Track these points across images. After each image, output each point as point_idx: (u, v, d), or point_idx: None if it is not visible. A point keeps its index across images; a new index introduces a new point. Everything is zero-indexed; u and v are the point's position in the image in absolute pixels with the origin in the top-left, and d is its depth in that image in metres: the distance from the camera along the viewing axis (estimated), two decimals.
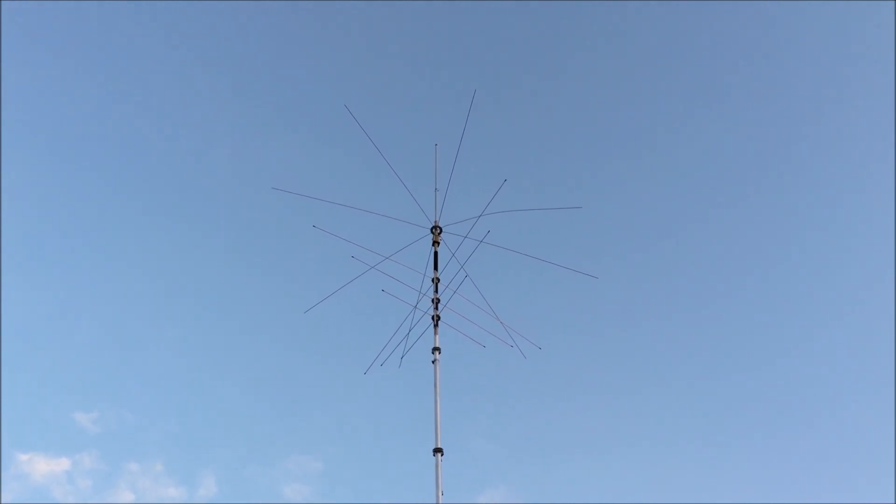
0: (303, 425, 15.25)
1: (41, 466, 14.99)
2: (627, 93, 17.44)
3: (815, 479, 13.57)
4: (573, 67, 17.94)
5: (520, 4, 17.35)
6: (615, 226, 16.32)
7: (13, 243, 15.98)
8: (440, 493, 6.19)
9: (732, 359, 15.45)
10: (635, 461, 14.45)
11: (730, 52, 17.04)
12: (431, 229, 7.51)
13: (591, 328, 15.66)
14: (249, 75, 17.35)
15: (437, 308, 7.19)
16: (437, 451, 6.41)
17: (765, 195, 16.56)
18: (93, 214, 16.49)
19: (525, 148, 17.05)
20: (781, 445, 14.32)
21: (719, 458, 14.41)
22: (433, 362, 6.91)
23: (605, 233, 16.03)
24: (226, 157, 17.05)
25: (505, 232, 7.52)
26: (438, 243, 7.47)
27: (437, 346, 6.99)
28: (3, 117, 14.71)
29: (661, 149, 17.21)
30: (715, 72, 17.08)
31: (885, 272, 14.33)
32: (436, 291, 7.28)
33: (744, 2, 16.55)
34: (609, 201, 16.43)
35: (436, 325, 7.11)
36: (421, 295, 7.27)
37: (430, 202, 7.57)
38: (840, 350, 15.21)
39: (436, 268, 7.37)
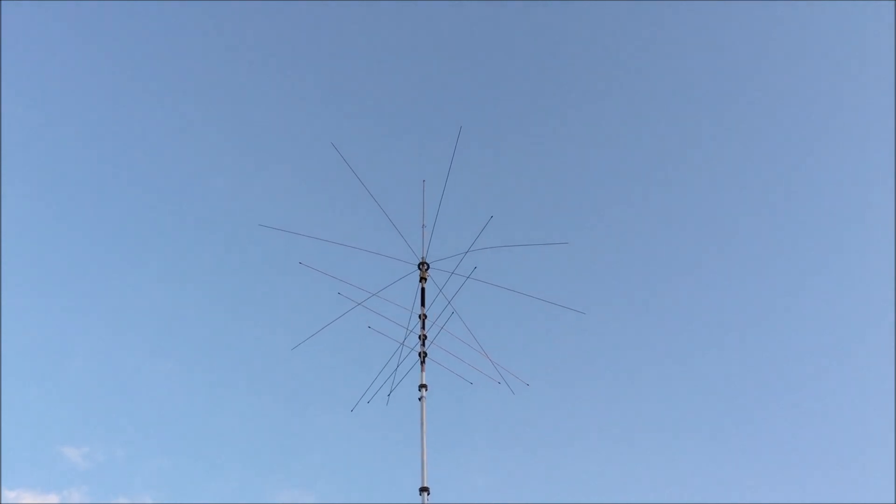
0: (294, 461, 15.10)
1: (28, 503, 14.75)
2: (614, 129, 17.61)
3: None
4: (559, 104, 18.11)
5: (506, 42, 17.56)
6: (602, 261, 16.37)
7: (6, 275, 15.95)
8: None
9: (724, 392, 15.44)
10: (628, 495, 14.35)
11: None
12: (418, 265, 7.51)
13: (579, 364, 15.63)
14: (236, 112, 17.44)
15: (423, 345, 7.17)
16: (424, 489, 6.35)
17: (756, 224, 16.66)
18: (84, 249, 16.46)
19: (512, 184, 17.14)
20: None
21: (713, 492, 14.35)
22: (420, 399, 6.87)
23: (592, 268, 16.07)
24: (213, 194, 17.06)
25: (492, 268, 7.53)
26: (426, 279, 7.46)
27: (424, 383, 6.96)
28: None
29: (649, 185, 17.33)
30: (706, 92, 17.24)
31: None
32: (423, 328, 7.26)
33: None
34: (596, 237, 16.51)
35: (423, 362, 7.08)
36: (408, 332, 7.26)
37: (417, 238, 7.59)
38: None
39: (423, 304, 7.36)
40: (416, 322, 7.29)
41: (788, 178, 16.54)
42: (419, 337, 7.21)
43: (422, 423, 6.72)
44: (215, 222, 16.68)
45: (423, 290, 7.42)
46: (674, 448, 14.99)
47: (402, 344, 7.20)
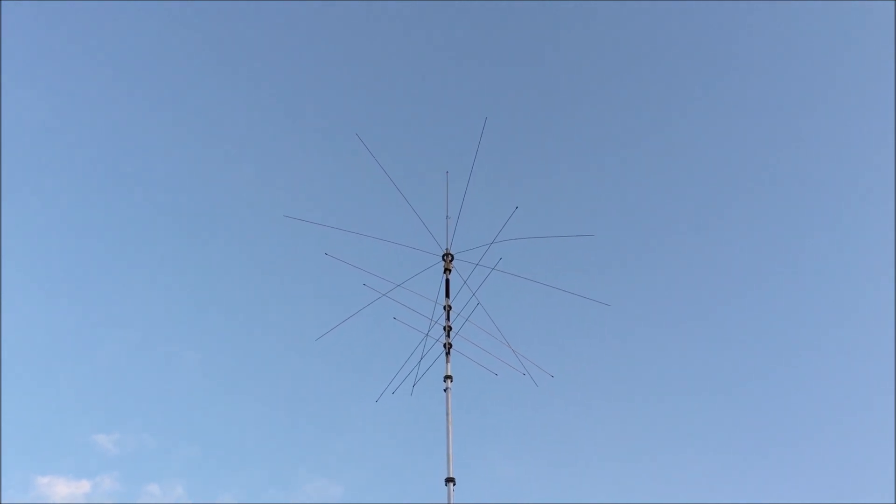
0: (323, 449, 15.22)
1: (61, 489, 15.01)
2: (640, 121, 17.50)
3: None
4: (585, 95, 18.02)
5: (531, 32, 17.48)
6: (628, 254, 16.29)
7: (35, 266, 16.21)
8: None
9: (745, 382, 15.35)
10: (652, 485, 14.32)
11: (735, 62, 17.07)
12: (443, 257, 7.50)
13: (604, 356, 15.59)
14: (262, 104, 17.52)
15: (448, 336, 7.17)
16: (450, 480, 6.36)
17: (776, 213, 16.53)
18: (113, 241, 16.65)
19: (537, 175, 17.11)
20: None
21: (727, 478, 14.31)
22: (445, 390, 6.88)
23: (617, 260, 16.00)
24: (239, 186, 17.17)
25: (517, 259, 7.51)
26: (450, 271, 7.46)
27: (449, 374, 6.96)
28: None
29: (675, 176, 17.22)
30: (723, 84, 17.11)
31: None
32: (447, 319, 7.25)
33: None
34: (621, 229, 16.42)
35: (448, 353, 7.08)
36: (433, 322, 7.26)
37: (441, 230, 7.58)
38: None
39: (447, 295, 7.36)
40: (441, 313, 7.29)
41: (798, 175, 16.45)
42: (444, 328, 7.21)
43: (447, 414, 6.72)
44: (241, 214, 16.83)
45: (447, 281, 7.42)
46: (696, 439, 14.94)
47: (427, 335, 7.20)
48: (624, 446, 14.93)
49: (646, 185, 17.09)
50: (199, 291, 16.63)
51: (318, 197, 16.62)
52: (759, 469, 14.14)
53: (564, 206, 16.50)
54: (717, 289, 16.39)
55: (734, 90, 17.07)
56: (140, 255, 16.57)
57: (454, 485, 6.34)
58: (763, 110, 16.78)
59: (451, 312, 7.28)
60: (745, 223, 16.58)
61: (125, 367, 15.92)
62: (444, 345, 7.13)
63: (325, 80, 17.83)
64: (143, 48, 17.05)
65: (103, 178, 16.93)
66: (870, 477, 12.87)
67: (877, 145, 15.40)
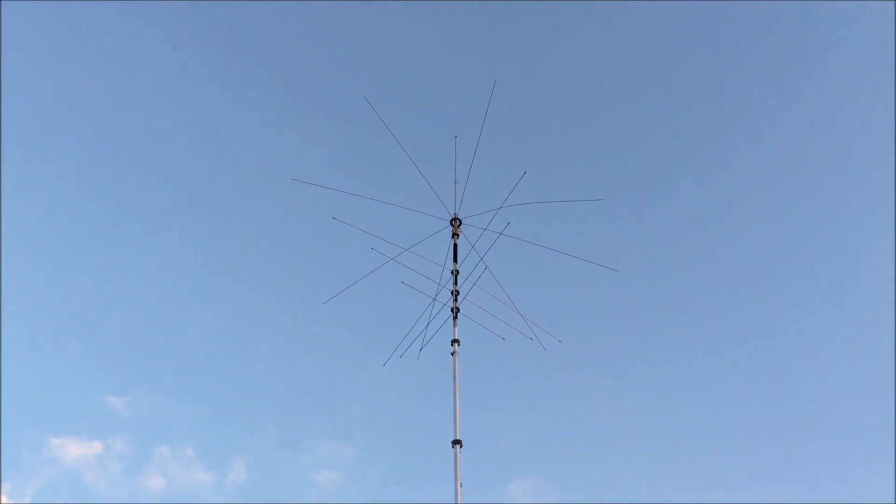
0: (333, 412, 15.35)
1: (73, 450, 15.19)
2: (650, 84, 17.34)
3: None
4: (595, 58, 17.85)
5: None
6: (636, 218, 16.24)
7: (47, 229, 16.31)
8: (458, 484, 6.21)
9: (752, 348, 15.37)
10: (659, 451, 14.44)
11: (739, 50, 16.91)
12: (451, 221, 7.51)
13: (612, 321, 15.62)
14: (270, 67, 17.43)
15: (456, 300, 7.20)
16: (456, 442, 6.42)
17: (785, 187, 16.46)
18: (125, 202, 16.66)
19: (546, 139, 16.99)
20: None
21: (731, 445, 14.40)
22: (452, 354, 6.92)
23: (626, 225, 15.95)
24: (247, 148, 17.15)
25: (525, 224, 7.50)
26: (458, 235, 7.47)
27: (457, 338, 7.00)
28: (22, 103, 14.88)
29: (684, 141, 17.11)
30: (727, 67, 16.95)
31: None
32: (455, 283, 7.28)
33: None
34: (630, 194, 16.35)
35: (455, 318, 7.12)
36: (440, 287, 7.29)
37: (449, 194, 7.58)
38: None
39: (455, 260, 7.38)
40: (449, 278, 7.32)
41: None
42: (451, 292, 7.24)
43: (454, 378, 6.77)
44: (249, 177, 16.81)
45: (455, 245, 7.43)
46: (703, 406, 15.02)
47: (435, 299, 7.24)
48: (631, 412, 15.04)
49: (656, 150, 17.01)
50: (208, 255, 16.72)
51: (326, 161, 16.60)
52: (768, 433, 14.22)
53: (573, 170, 16.45)
54: (728, 255, 16.37)
55: (745, 61, 16.91)
56: (150, 219, 16.65)
57: (461, 447, 6.40)
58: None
59: (458, 277, 7.31)
60: (759, 191, 16.50)
61: (137, 330, 16.06)
62: (452, 309, 7.16)
63: (334, 43, 17.71)
64: (151, 10, 16.96)
65: (112, 143, 16.93)
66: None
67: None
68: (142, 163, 16.73)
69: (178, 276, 16.38)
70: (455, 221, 7.50)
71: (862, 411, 14.12)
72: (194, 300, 16.35)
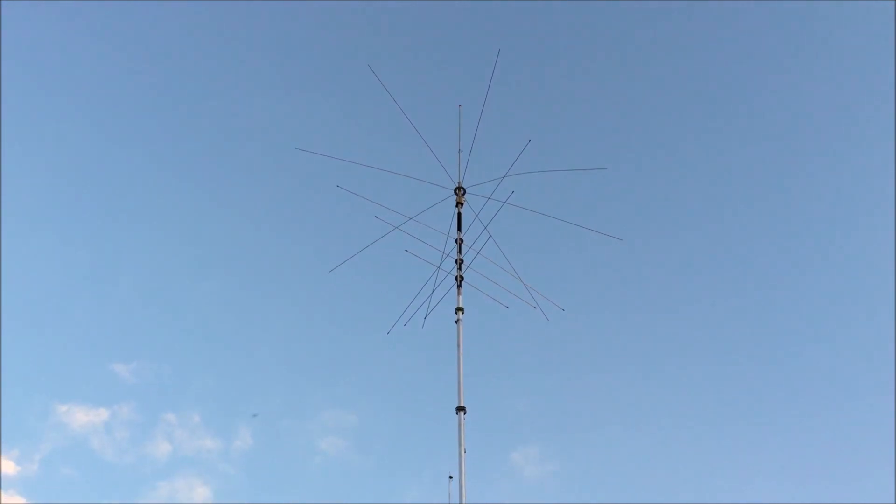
0: (338, 380, 15.48)
1: (80, 417, 15.37)
2: (653, 54, 17.24)
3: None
4: (600, 26, 17.71)
5: None
6: (640, 188, 16.23)
7: (53, 198, 16.37)
8: (462, 450, 6.29)
9: (755, 318, 15.44)
10: (662, 419, 14.56)
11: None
12: (455, 190, 7.51)
13: (616, 291, 15.67)
14: (273, 36, 17.34)
15: (460, 269, 7.23)
16: (460, 409, 6.49)
17: (795, 150, 16.41)
18: (130, 172, 16.71)
19: (550, 108, 16.96)
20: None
21: (735, 410, 14.50)
22: (456, 322, 6.97)
23: (630, 195, 15.95)
24: (251, 118, 17.12)
25: (529, 193, 7.51)
26: (462, 204, 7.48)
27: (461, 306, 7.04)
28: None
29: (689, 110, 17.04)
30: (732, 37, 16.84)
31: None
32: (459, 252, 7.31)
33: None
34: (634, 163, 16.32)
35: (459, 286, 7.15)
36: (444, 255, 7.32)
37: (453, 163, 7.58)
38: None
39: (459, 229, 7.40)
40: (453, 246, 7.35)
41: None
42: (455, 261, 7.27)
43: (458, 345, 6.82)
44: (253, 146, 16.80)
45: (459, 214, 7.45)
46: (709, 374, 15.10)
47: (439, 268, 7.27)
48: (634, 381, 15.13)
49: (659, 119, 16.95)
50: (213, 223, 16.78)
51: (330, 130, 16.58)
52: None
53: (577, 139, 16.40)
54: (733, 224, 16.37)
55: (749, 30, 16.77)
56: (156, 188, 16.68)
57: (465, 413, 6.47)
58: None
59: (462, 246, 7.33)
60: (763, 158, 16.45)
61: (143, 297, 16.17)
62: (456, 277, 7.19)
63: (337, 11, 17.60)
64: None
65: (114, 113, 16.92)
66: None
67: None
68: (146, 133, 16.77)
69: (183, 244, 16.48)
70: (459, 190, 7.51)
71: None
72: (200, 269, 16.45)
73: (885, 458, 11.87)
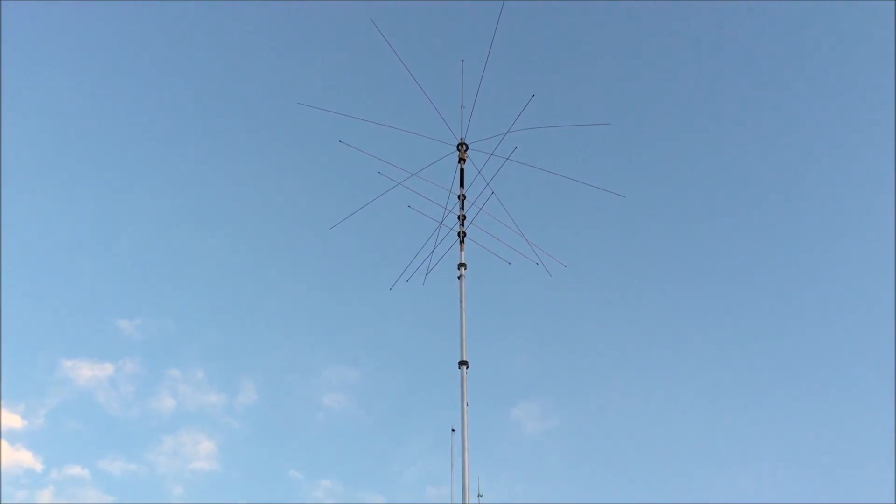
0: (341, 336, 15.61)
1: (85, 372, 15.53)
2: (659, 10, 17.03)
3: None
4: None
5: None
6: (644, 144, 16.17)
7: (57, 154, 16.35)
8: (465, 404, 6.37)
9: (759, 271, 15.48)
10: (662, 375, 14.70)
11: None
12: (458, 146, 7.50)
13: (619, 247, 15.71)
14: None
15: (462, 225, 7.25)
16: (463, 363, 6.56)
17: (802, 100, 16.31)
18: (134, 128, 16.70)
19: (553, 63, 16.82)
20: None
21: (734, 368, 14.59)
22: (459, 278, 7.01)
23: (633, 151, 15.90)
24: (253, 74, 17.02)
25: (532, 149, 7.49)
26: (465, 160, 7.46)
27: (463, 262, 7.07)
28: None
29: (693, 66, 16.90)
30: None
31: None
32: (462, 208, 7.31)
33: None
34: (638, 118, 16.24)
35: (462, 242, 7.18)
36: (447, 212, 7.33)
37: (456, 119, 7.55)
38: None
39: (462, 185, 7.40)
40: (455, 202, 7.35)
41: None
42: (458, 217, 7.28)
43: (461, 301, 6.86)
44: (256, 101, 16.73)
45: (462, 170, 7.44)
46: (709, 331, 15.19)
47: (441, 223, 7.28)
48: (635, 337, 15.24)
49: (663, 73, 16.82)
50: (216, 179, 16.80)
51: (332, 84, 16.48)
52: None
53: (581, 94, 16.31)
54: (735, 180, 16.33)
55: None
56: (159, 145, 16.66)
57: (467, 367, 6.54)
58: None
59: (465, 202, 7.34)
60: (770, 114, 16.37)
61: (147, 253, 16.25)
62: (458, 233, 7.21)
63: None
64: None
65: (120, 70, 16.83)
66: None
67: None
68: (151, 90, 16.69)
69: (186, 201, 16.51)
70: (462, 146, 7.49)
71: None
72: (204, 224, 16.50)
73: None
